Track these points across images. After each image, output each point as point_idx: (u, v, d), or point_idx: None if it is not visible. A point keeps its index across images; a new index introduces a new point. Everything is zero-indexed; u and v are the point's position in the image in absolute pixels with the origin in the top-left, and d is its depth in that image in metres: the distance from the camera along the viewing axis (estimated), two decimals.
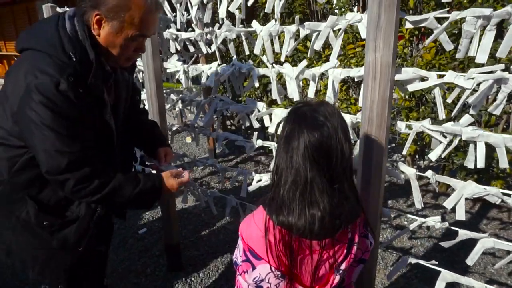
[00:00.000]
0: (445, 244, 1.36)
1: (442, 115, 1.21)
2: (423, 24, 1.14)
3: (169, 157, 1.55)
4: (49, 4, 2.39)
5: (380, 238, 2.15)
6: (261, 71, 1.68)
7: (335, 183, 0.88)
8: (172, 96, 2.36)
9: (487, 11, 1.02)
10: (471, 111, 1.15)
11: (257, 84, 1.70)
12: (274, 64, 1.63)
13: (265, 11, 1.54)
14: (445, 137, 1.23)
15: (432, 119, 1.52)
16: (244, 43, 1.73)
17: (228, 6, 1.68)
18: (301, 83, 1.58)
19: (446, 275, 1.33)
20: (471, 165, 1.23)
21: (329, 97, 1.42)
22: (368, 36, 1.14)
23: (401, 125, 1.32)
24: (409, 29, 2.75)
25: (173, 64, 2.10)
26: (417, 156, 3.32)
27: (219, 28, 1.80)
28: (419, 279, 2.24)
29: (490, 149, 1.22)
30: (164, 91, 2.09)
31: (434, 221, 1.33)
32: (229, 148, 4.43)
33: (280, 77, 1.67)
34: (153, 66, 1.91)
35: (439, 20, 1.13)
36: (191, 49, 2.07)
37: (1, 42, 11.17)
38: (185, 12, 2.11)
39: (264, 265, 0.91)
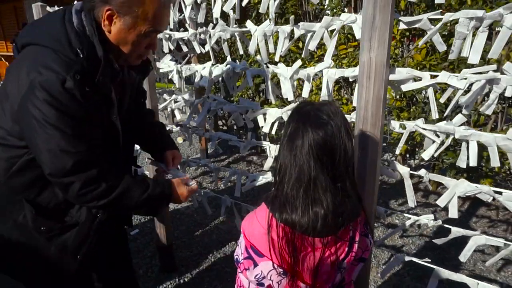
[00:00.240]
0: (438, 241, 1.39)
1: (435, 114, 1.23)
2: (417, 25, 1.16)
3: (177, 161, 1.47)
4: (39, 3, 2.35)
5: None
6: (256, 71, 1.69)
7: (337, 181, 0.89)
8: (165, 96, 2.35)
9: (479, 13, 1.04)
10: (464, 111, 1.17)
11: (251, 84, 1.71)
12: (268, 64, 1.64)
13: (260, 11, 1.54)
14: (438, 136, 1.25)
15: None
16: (238, 43, 1.73)
17: (222, 6, 1.68)
18: (295, 83, 1.59)
19: (439, 272, 1.35)
20: (463, 164, 1.25)
21: (324, 97, 1.43)
22: (363, 36, 1.15)
23: (395, 125, 1.33)
24: (400, 30, 2.79)
25: (166, 64, 2.09)
26: (407, 156, 3.36)
27: (213, 28, 1.80)
28: (411, 276, 2.27)
29: (480, 149, 1.24)
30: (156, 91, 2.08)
31: (427, 219, 1.35)
32: (221, 148, 4.43)
33: (273, 76, 1.68)
34: None
35: (431, 22, 1.15)
36: (184, 49, 2.06)
37: None
38: (178, 12, 2.11)
39: (266, 262, 0.92)
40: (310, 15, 3.69)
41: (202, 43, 1.93)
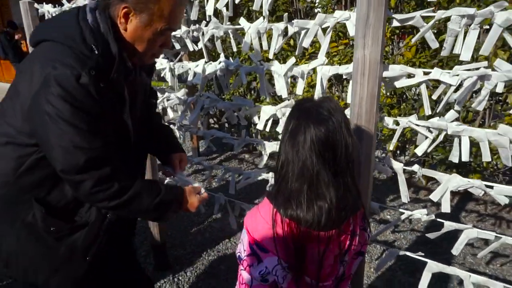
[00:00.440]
0: (431, 235, 1.41)
1: (428, 111, 1.25)
2: (409, 23, 1.17)
3: (183, 164, 1.45)
4: (26, 0, 2.31)
5: None
6: (250, 68, 1.69)
7: (339, 176, 0.91)
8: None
9: (471, 11, 1.06)
10: (456, 107, 1.19)
11: (245, 82, 1.71)
12: (261, 62, 1.64)
13: (253, 8, 1.54)
14: (431, 132, 1.27)
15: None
16: (232, 41, 1.73)
17: (215, 4, 1.67)
18: (289, 80, 1.59)
19: (432, 266, 1.37)
20: (455, 160, 1.27)
21: (318, 94, 1.44)
22: (357, 33, 1.16)
23: (388, 121, 1.35)
24: (391, 28, 2.82)
25: (158, 62, 2.08)
26: (398, 152, 3.41)
27: (206, 26, 1.79)
28: (403, 271, 2.30)
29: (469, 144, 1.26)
30: None
31: (420, 213, 1.38)
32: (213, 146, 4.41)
33: (265, 74, 1.68)
34: None
35: (423, 19, 1.16)
36: (177, 46, 2.05)
37: None
38: None
39: (271, 258, 0.92)
40: (301, 12, 3.70)
41: (195, 41, 1.92)
